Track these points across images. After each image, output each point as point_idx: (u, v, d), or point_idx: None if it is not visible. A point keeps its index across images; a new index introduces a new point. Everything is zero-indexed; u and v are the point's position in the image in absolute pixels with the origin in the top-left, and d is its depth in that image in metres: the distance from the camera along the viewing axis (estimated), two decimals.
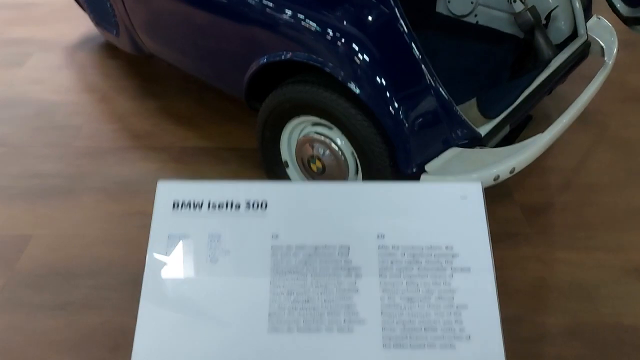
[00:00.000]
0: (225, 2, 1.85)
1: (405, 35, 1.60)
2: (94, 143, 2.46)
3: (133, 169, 2.30)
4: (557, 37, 2.29)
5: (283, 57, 1.72)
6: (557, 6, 2.28)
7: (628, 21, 2.17)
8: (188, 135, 2.47)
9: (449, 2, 2.58)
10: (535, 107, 2.10)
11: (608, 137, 2.50)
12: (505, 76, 2.20)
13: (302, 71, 1.82)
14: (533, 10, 2.20)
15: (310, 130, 1.84)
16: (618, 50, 2.23)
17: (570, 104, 1.93)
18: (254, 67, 1.83)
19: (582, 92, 1.97)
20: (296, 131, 1.89)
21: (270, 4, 1.72)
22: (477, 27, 2.53)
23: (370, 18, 1.62)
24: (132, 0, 2.31)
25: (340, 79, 1.60)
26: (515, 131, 2.10)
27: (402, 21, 1.60)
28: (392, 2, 1.59)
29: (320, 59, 1.64)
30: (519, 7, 2.21)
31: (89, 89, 2.83)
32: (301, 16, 1.66)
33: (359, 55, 1.56)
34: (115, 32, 2.60)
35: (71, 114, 2.65)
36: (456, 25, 2.57)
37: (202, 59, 2.16)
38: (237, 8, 1.81)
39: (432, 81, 1.63)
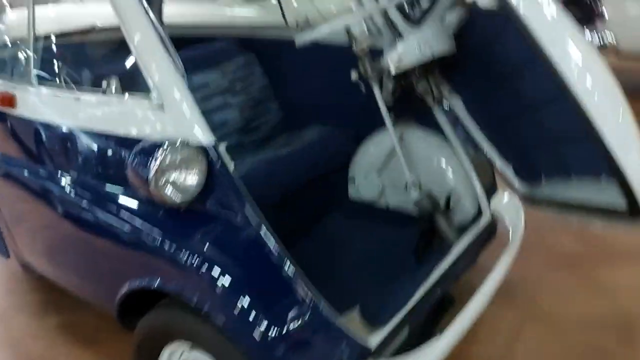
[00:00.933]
0: (93, 222, 1.78)
1: (273, 254, 1.49)
2: None
3: None
4: (462, 218, 2.25)
5: (146, 284, 1.61)
6: (454, 188, 2.27)
7: (526, 200, 2.13)
8: (84, 356, 2.25)
9: (357, 188, 2.58)
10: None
11: (536, 312, 2.35)
12: (411, 263, 2.11)
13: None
14: (430, 196, 2.18)
15: (188, 356, 1.66)
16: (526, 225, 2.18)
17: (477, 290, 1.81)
18: (123, 289, 1.71)
19: (485, 281, 1.86)
20: (174, 358, 1.71)
21: (134, 228, 1.65)
22: (387, 211, 2.50)
23: (234, 240, 1.53)
24: (15, 221, 2.28)
25: (204, 309, 1.47)
26: (435, 317, 1.96)
27: (270, 239, 1.51)
28: (256, 220, 1.52)
29: (185, 287, 1.52)
30: (415, 194, 2.19)
31: None
32: (164, 242, 1.56)
33: (220, 283, 1.44)
34: (5, 255, 2.52)
35: None
36: (367, 210, 2.53)
37: (81, 281, 2.06)
38: (106, 230, 1.74)
39: (307, 297, 1.49)
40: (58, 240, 2.04)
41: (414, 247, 2.16)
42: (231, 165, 1.55)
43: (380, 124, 2.29)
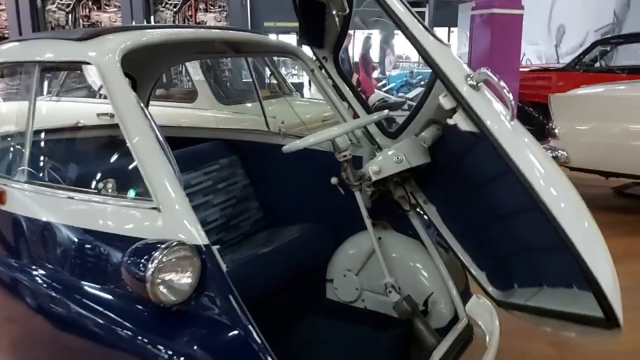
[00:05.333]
0: (71, 320, 1.75)
1: (261, 358, 1.50)
2: None
3: None
4: (439, 322, 2.30)
5: None
6: (432, 292, 2.33)
7: (501, 305, 2.19)
8: None
9: (335, 288, 2.61)
10: None
11: None
12: None
13: None
14: (409, 299, 2.22)
15: None
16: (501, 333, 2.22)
17: None
18: None
19: None
20: None
21: (117, 328, 1.63)
22: (365, 312, 2.52)
23: (223, 341, 1.53)
24: None
25: None
26: None
27: (257, 342, 1.52)
28: (245, 323, 1.53)
29: None
30: (394, 297, 2.23)
31: None
32: (153, 343, 1.55)
33: None
34: None
35: None
36: (345, 311, 2.55)
37: None
38: (85, 329, 1.71)
39: None
40: (27, 335, 1.96)
41: (395, 349, 2.18)
42: (224, 266, 1.58)
43: (359, 225, 2.38)
